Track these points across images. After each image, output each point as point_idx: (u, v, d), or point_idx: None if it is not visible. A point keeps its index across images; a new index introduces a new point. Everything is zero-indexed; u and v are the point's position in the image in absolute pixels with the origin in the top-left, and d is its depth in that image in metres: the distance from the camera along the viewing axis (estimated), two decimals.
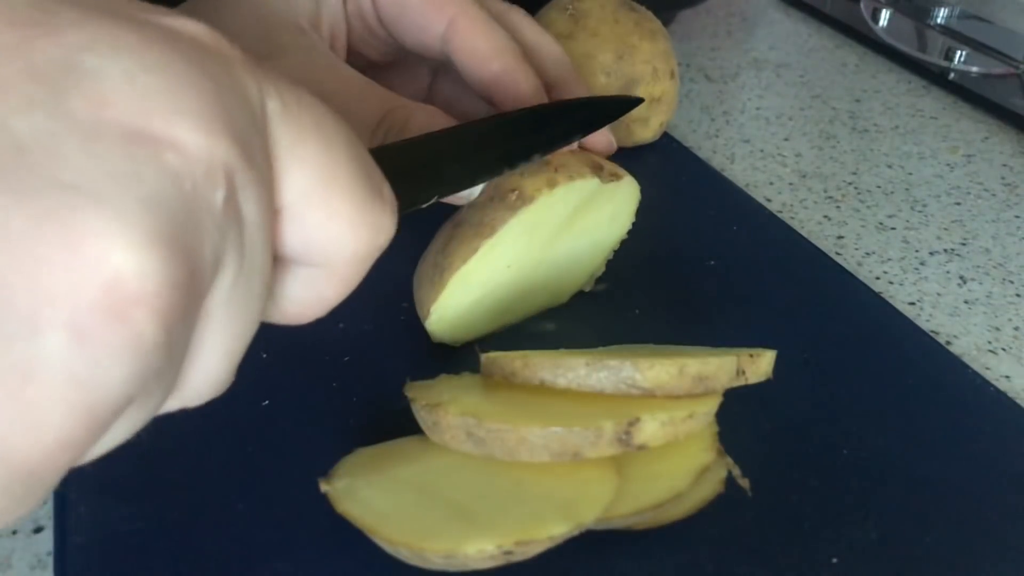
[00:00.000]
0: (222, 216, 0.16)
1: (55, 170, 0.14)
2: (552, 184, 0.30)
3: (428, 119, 0.30)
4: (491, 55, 0.32)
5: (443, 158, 0.26)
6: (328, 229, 0.19)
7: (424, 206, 0.25)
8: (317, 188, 0.18)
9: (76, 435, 0.14)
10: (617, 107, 0.33)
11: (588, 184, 0.31)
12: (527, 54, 0.34)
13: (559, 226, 0.32)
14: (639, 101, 0.34)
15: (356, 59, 0.37)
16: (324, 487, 0.25)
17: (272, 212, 0.17)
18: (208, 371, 0.18)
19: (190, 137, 0.15)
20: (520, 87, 0.31)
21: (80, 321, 0.14)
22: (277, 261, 0.19)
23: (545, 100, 0.32)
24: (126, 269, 0.14)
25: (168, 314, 0.15)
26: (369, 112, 0.31)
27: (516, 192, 0.30)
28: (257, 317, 0.18)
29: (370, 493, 0.25)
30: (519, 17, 0.35)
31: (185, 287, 0.15)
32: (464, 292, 0.31)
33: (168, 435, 0.30)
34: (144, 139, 0.14)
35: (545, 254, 0.33)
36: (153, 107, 0.15)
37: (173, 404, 0.18)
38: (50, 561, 0.27)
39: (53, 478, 0.15)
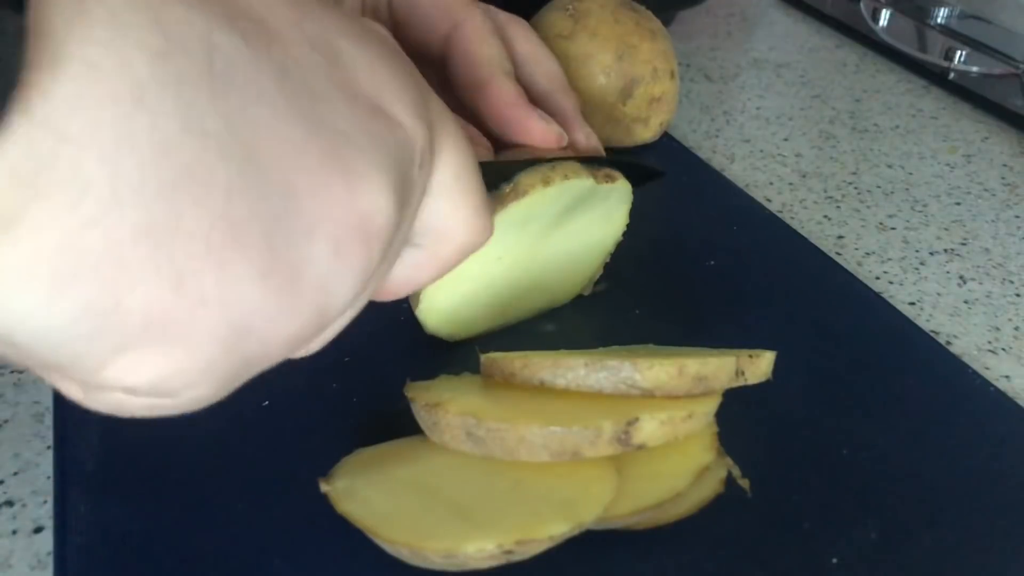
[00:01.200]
0: (414, 182, 0.20)
1: (335, 118, 0.17)
2: (547, 182, 0.30)
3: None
4: (482, 62, 0.33)
5: None
6: (450, 219, 0.22)
7: None
8: (453, 182, 0.22)
9: (306, 332, 0.18)
10: (638, 173, 0.35)
11: (583, 183, 0.31)
12: (521, 64, 0.35)
13: (551, 224, 0.32)
14: (659, 174, 0.36)
15: None
16: (324, 487, 0.25)
17: (425, 193, 0.21)
18: (340, 323, 0.21)
19: (409, 122, 0.19)
20: (501, 94, 0.33)
21: (342, 237, 0.17)
22: None
23: (525, 111, 0.33)
24: (376, 208, 0.18)
25: (386, 246, 0.19)
26: None
27: (511, 185, 0.30)
28: (390, 269, 0.22)
29: (370, 493, 0.25)
30: (519, 28, 0.37)
31: (396, 229, 0.19)
32: (455, 282, 0.31)
33: (169, 435, 0.30)
34: (384, 115, 0.18)
35: (538, 252, 0.33)
36: (385, 90, 0.19)
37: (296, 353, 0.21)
38: (50, 561, 0.27)
39: (262, 369, 0.18)
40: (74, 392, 0.18)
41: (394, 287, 0.24)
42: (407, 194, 0.19)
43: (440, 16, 0.34)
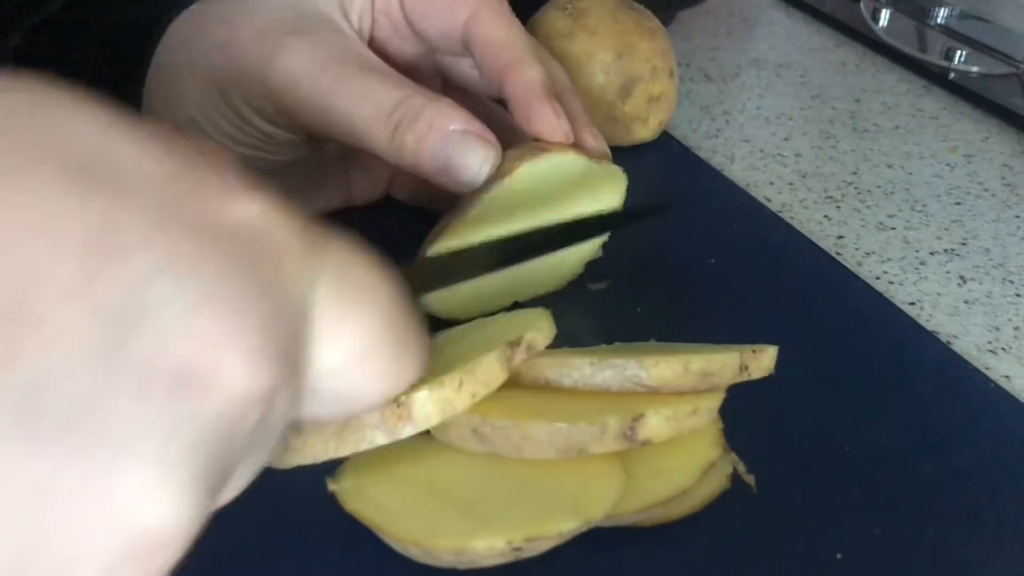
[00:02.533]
0: (252, 431, 0.16)
1: (107, 427, 0.14)
2: (536, 154, 0.31)
3: (442, 110, 0.31)
4: (507, 44, 0.33)
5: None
6: (360, 387, 0.20)
7: None
8: (361, 352, 0.19)
9: None
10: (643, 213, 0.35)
11: (572, 161, 0.32)
12: None
13: (542, 208, 0.33)
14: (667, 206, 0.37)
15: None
16: (332, 486, 0.25)
17: (301, 395, 0.18)
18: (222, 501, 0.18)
19: (239, 373, 0.15)
20: (529, 75, 0.32)
21: (110, 568, 0.14)
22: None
23: (544, 100, 0.33)
24: (156, 521, 0.14)
25: (182, 546, 0.15)
26: (387, 97, 0.32)
27: (500, 168, 0.31)
28: (269, 455, 0.19)
29: (378, 491, 0.25)
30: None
31: (203, 515, 0.15)
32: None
33: None
34: (194, 380, 0.15)
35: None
36: (207, 345, 0.15)
37: None
38: None
39: None
40: None
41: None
42: (225, 459, 0.16)
43: (456, 5, 0.34)
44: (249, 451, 0.17)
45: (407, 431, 0.24)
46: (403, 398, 0.24)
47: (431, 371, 0.25)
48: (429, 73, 0.39)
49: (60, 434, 0.14)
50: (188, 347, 0.15)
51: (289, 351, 0.17)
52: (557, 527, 0.23)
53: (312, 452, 0.24)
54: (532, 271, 0.35)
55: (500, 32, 0.33)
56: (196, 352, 0.15)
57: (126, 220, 0.14)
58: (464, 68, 0.39)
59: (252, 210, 0.16)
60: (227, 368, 0.15)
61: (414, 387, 0.24)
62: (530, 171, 0.31)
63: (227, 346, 0.15)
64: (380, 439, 0.24)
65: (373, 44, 0.37)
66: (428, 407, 0.24)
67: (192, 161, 0.16)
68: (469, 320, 0.31)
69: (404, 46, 0.37)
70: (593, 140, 0.35)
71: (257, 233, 0.16)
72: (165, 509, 0.15)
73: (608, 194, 0.35)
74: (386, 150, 0.32)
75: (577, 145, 0.34)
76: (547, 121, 0.32)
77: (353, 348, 0.19)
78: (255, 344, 0.15)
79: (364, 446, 0.24)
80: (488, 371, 0.25)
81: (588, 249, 0.37)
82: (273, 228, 0.17)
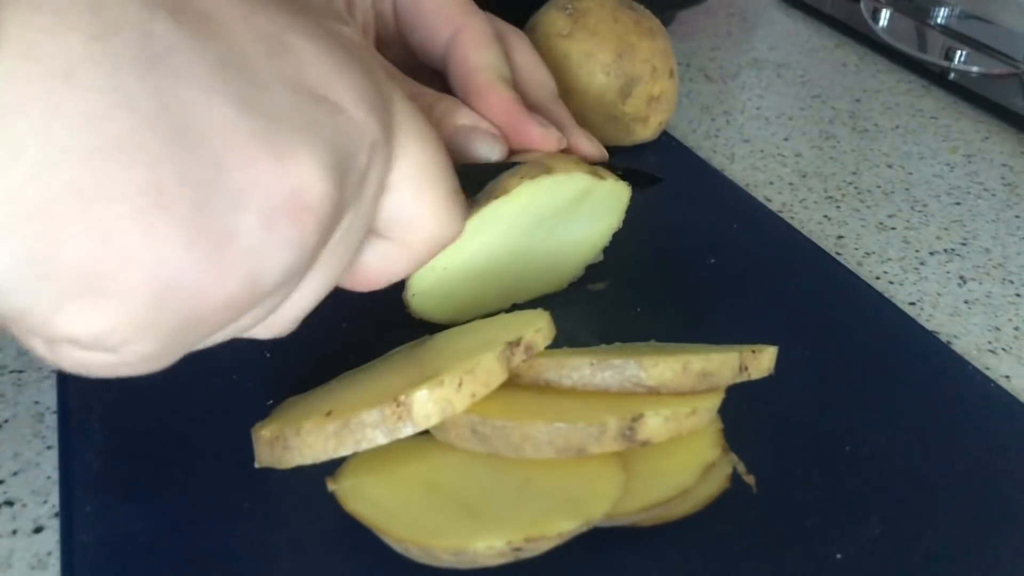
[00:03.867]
0: (362, 172, 0.21)
1: (272, 104, 0.19)
2: (540, 175, 0.31)
3: (451, 106, 0.32)
4: (480, 68, 0.34)
5: None
6: (415, 209, 0.24)
7: None
8: (415, 177, 0.23)
9: (240, 298, 0.19)
10: (636, 178, 0.36)
11: (574, 180, 0.32)
12: (518, 74, 0.36)
13: (544, 216, 0.33)
14: (657, 179, 0.37)
15: None
16: (331, 486, 0.25)
17: (383, 184, 0.22)
18: (297, 303, 0.22)
19: (354, 110, 0.20)
20: (499, 100, 0.33)
21: (271, 209, 0.18)
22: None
23: (522, 116, 0.33)
24: (307, 184, 0.19)
25: (323, 224, 0.19)
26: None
27: (500, 182, 0.31)
28: (347, 265, 0.22)
29: (377, 492, 0.25)
30: (516, 39, 0.37)
31: (336, 209, 0.20)
32: (441, 265, 0.32)
33: (175, 434, 0.30)
34: (327, 102, 0.20)
35: (529, 242, 0.34)
36: (333, 82, 0.20)
37: (254, 332, 0.22)
38: (50, 561, 0.27)
39: (205, 336, 0.19)
40: (38, 347, 0.19)
41: (368, 277, 0.25)
42: (350, 178, 0.20)
43: (441, 23, 0.35)
44: (359, 193, 0.21)
45: (407, 430, 0.24)
46: (403, 397, 0.24)
47: (431, 371, 0.25)
48: (422, 76, 0.40)
49: (242, 94, 0.18)
50: (321, 79, 0.20)
51: (385, 121, 0.21)
52: (557, 527, 0.23)
53: (312, 452, 0.24)
54: (531, 273, 0.35)
55: (476, 56, 0.34)
56: (327, 84, 0.20)
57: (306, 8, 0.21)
58: None
59: (352, 32, 0.23)
60: (347, 103, 0.20)
61: (414, 386, 0.24)
62: (530, 189, 0.31)
63: (347, 87, 0.20)
64: (380, 438, 0.24)
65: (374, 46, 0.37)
66: (428, 407, 0.24)
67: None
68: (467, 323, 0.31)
69: (395, 56, 0.38)
70: (588, 145, 0.35)
71: (358, 43, 0.22)
72: (310, 177, 0.19)
73: (609, 211, 0.35)
74: None
75: (572, 150, 0.34)
76: (535, 134, 0.33)
77: (415, 167, 0.23)
78: (364, 96, 0.21)
79: (364, 446, 0.24)
80: (488, 371, 0.25)
81: (588, 252, 0.37)
82: (367, 47, 0.23)
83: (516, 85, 0.35)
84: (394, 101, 0.22)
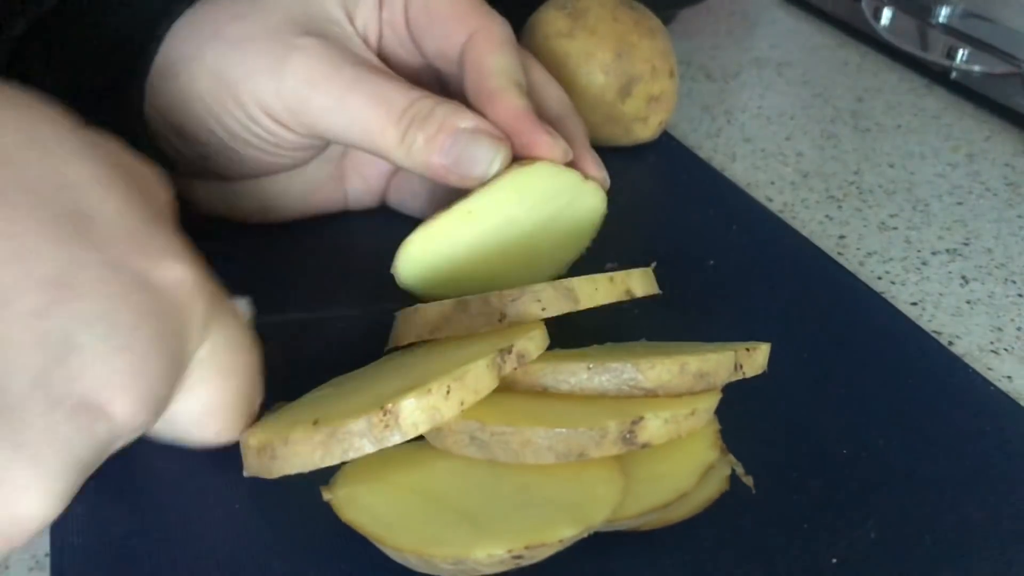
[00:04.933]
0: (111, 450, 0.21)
1: (17, 429, 0.18)
2: (524, 164, 0.32)
3: (452, 110, 0.32)
4: (493, 72, 0.33)
5: None
6: (195, 431, 0.25)
7: None
8: (205, 410, 0.25)
9: None
10: None
11: (558, 172, 0.32)
12: (534, 87, 0.35)
13: (527, 210, 0.33)
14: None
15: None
16: (327, 495, 0.25)
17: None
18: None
19: (125, 412, 0.20)
20: (513, 103, 0.33)
21: None
22: None
23: (532, 124, 0.33)
24: (26, 513, 0.19)
25: (30, 537, 0.20)
26: (400, 97, 0.32)
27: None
28: None
29: (374, 500, 0.25)
30: (530, 57, 0.37)
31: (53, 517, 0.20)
32: (431, 240, 0.32)
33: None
34: (90, 411, 0.19)
35: (515, 228, 0.34)
36: (110, 385, 0.19)
37: None
38: (48, 562, 0.27)
39: None
40: None
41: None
42: (89, 471, 0.21)
43: (455, 26, 0.34)
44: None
45: (394, 439, 0.24)
46: (390, 405, 0.23)
47: (419, 379, 0.25)
48: (430, 84, 0.40)
49: (20, 422, 0.18)
50: (97, 384, 0.19)
51: (166, 400, 0.22)
52: (558, 534, 0.22)
53: (300, 461, 0.24)
54: (516, 262, 0.35)
55: (491, 60, 0.33)
56: (101, 389, 0.19)
57: (86, 266, 0.19)
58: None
59: (178, 273, 0.21)
60: (118, 408, 0.20)
61: (401, 394, 0.24)
62: (515, 180, 0.31)
63: (125, 390, 0.20)
64: (367, 447, 0.24)
65: (379, 53, 0.37)
66: (416, 415, 0.24)
67: (149, 220, 0.21)
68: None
69: (408, 57, 0.38)
70: (594, 167, 0.35)
71: (177, 296, 0.21)
72: (38, 506, 0.19)
73: (588, 205, 0.35)
74: (396, 150, 0.32)
75: (577, 166, 0.34)
76: (543, 143, 0.33)
77: (207, 404, 0.24)
78: (143, 395, 0.20)
79: (352, 455, 0.24)
80: (477, 379, 0.25)
81: (570, 255, 0.37)
82: (189, 293, 0.22)
83: (532, 95, 0.34)
84: (204, 343, 0.23)
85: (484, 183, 0.32)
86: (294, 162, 0.37)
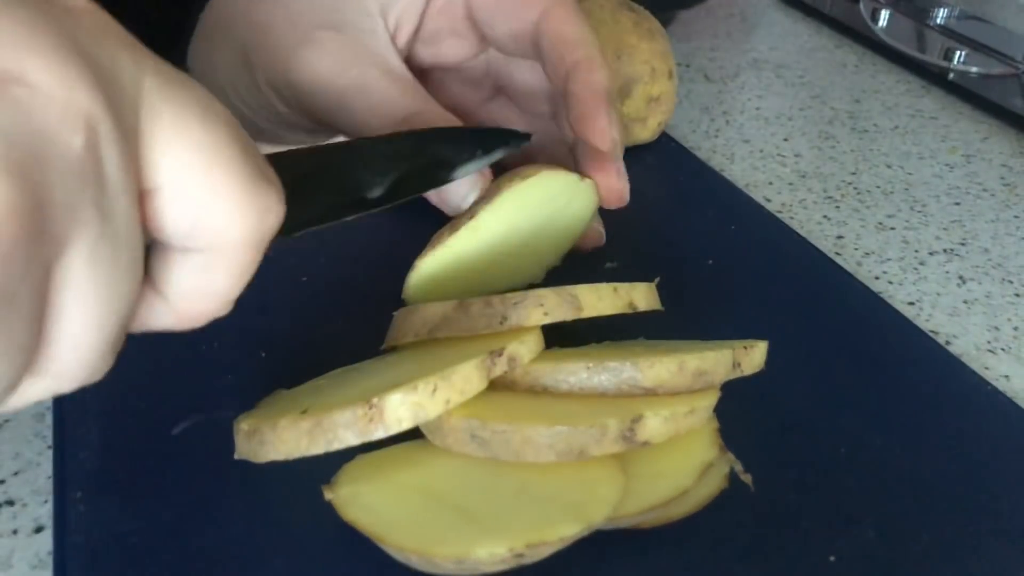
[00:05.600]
0: (80, 164, 0.16)
1: None
2: (523, 177, 0.32)
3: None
4: (579, 42, 0.33)
5: (352, 168, 0.28)
6: (212, 208, 0.18)
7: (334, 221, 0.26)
8: (199, 164, 0.18)
9: None
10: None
11: (554, 176, 0.33)
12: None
13: (528, 218, 0.34)
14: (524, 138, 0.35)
15: (426, 58, 0.37)
16: (328, 495, 0.25)
17: (137, 178, 0.17)
18: (77, 345, 0.17)
19: (42, 76, 0.15)
20: (596, 76, 0.33)
21: None
22: (164, 251, 0.19)
23: (606, 106, 0.33)
24: None
25: (7, 240, 0.15)
26: (396, 109, 0.32)
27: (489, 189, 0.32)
28: (128, 293, 0.18)
29: (375, 500, 0.25)
30: None
31: (29, 217, 0.15)
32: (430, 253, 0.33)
33: (169, 435, 0.30)
34: (8, 79, 0.15)
35: (511, 232, 0.34)
36: (7, 44, 0.15)
37: (44, 385, 0.18)
38: (51, 561, 0.27)
39: None
40: None
41: (193, 305, 0.20)
42: (43, 170, 0.15)
43: (528, 3, 0.34)
44: (88, 195, 0.16)
45: (378, 433, 0.24)
46: (376, 400, 0.24)
47: (409, 375, 0.25)
48: (479, 75, 0.39)
49: None
50: (11, 51, 0.15)
51: (113, 96, 0.17)
52: (559, 532, 0.23)
53: (285, 448, 0.24)
54: (510, 270, 0.36)
55: (573, 29, 0.33)
56: (19, 55, 0.15)
57: None
58: (520, 75, 0.39)
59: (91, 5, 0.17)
60: (27, 67, 0.15)
61: (388, 390, 0.24)
62: (517, 193, 0.32)
63: (28, 48, 0.15)
64: (351, 439, 0.24)
65: (428, 41, 0.37)
66: (400, 411, 0.24)
67: None
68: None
69: (459, 46, 0.37)
70: (616, 179, 0.34)
71: (78, 6, 0.17)
72: None
73: (583, 201, 0.35)
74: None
75: (597, 173, 0.34)
76: (599, 127, 0.32)
77: (197, 152, 0.18)
78: (61, 58, 0.16)
79: (336, 445, 0.24)
80: (465, 379, 0.25)
81: (565, 247, 0.37)
82: (93, 12, 0.17)
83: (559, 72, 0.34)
84: (146, 73, 0.17)
85: (486, 199, 0.32)
86: (316, 140, 0.37)
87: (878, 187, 0.51)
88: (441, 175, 0.31)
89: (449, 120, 0.33)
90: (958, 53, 0.63)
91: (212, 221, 0.19)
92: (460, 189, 0.33)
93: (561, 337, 0.30)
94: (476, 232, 0.32)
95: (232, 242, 0.19)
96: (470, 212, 0.32)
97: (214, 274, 0.20)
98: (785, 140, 0.56)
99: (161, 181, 0.18)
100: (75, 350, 0.17)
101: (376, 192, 0.28)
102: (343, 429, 0.24)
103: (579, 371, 0.26)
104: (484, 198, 0.32)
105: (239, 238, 0.19)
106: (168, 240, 0.19)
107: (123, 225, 0.17)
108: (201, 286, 0.20)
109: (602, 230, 0.38)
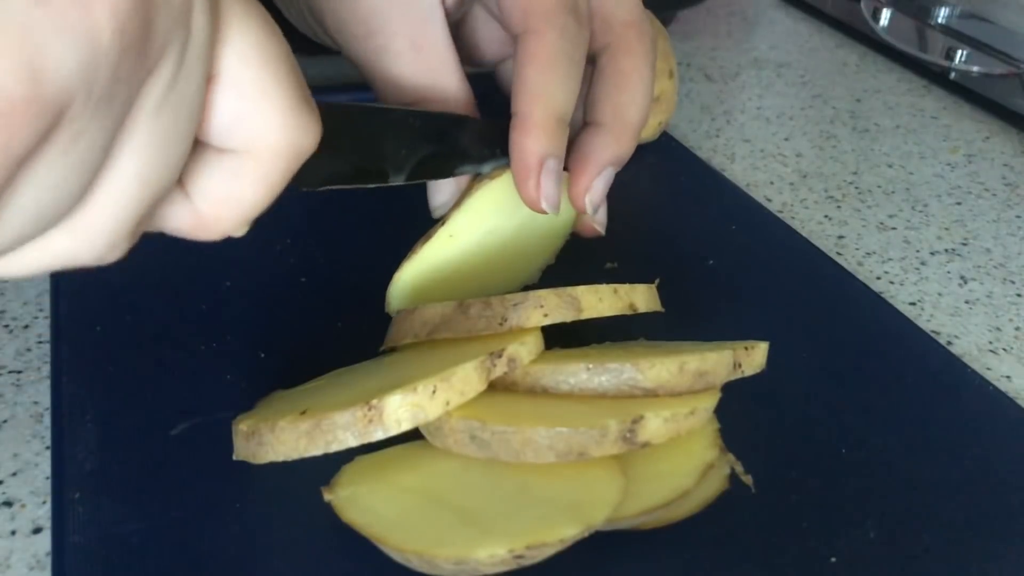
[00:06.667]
0: (181, 4, 0.17)
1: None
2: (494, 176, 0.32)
3: None
4: (536, 97, 0.30)
5: (381, 134, 0.28)
6: (257, 107, 0.19)
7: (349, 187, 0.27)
8: (255, 62, 0.19)
9: (19, 96, 0.14)
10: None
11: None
12: (600, 95, 0.33)
13: (507, 214, 0.34)
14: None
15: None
16: (327, 496, 0.25)
17: (212, 46, 0.18)
18: (114, 202, 0.18)
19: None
20: (530, 143, 0.30)
21: None
22: (199, 151, 0.20)
23: (537, 173, 0.31)
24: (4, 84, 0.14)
25: (119, 20, 0.15)
26: (405, 94, 0.32)
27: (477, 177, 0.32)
28: (173, 166, 0.18)
29: (374, 501, 0.25)
30: (635, 45, 0.35)
31: (140, 28, 0.16)
32: (412, 261, 0.33)
33: (168, 435, 0.30)
34: None
35: (495, 235, 0.34)
36: None
37: (64, 243, 0.18)
38: (49, 562, 0.27)
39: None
40: None
41: (213, 208, 0.21)
42: (152, 5, 0.16)
43: (516, 14, 0.31)
44: (176, 37, 0.17)
45: (377, 434, 0.24)
46: (375, 401, 0.24)
47: (410, 377, 0.25)
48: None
49: None
50: None
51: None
52: (559, 533, 0.23)
53: (284, 449, 0.24)
54: (499, 273, 0.35)
55: (538, 80, 0.30)
56: None
57: None
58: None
59: None
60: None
61: (387, 391, 0.24)
62: (487, 195, 0.32)
63: None
64: (350, 440, 0.24)
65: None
66: (400, 412, 0.24)
67: None
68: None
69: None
70: (582, 200, 0.32)
71: None
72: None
73: (566, 197, 0.35)
74: None
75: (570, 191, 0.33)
76: (540, 193, 0.30)
77: (257, 54, 0.19)
78: None
79: (335, 447, 0.24)
80: (464, 380, 0.25)
81: (556, 243, 0.37)
82: None
83: (594, 105, 0.32)
84: None
85: (457, 203, 0.32)
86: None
87: (879, 187, 0.51)
88: (460, 165, 0.31)
89: (465, 108, 0.32)
90: (960, 52, 0.63)
91: (253, 121, 0.19)
92: (441, 194, 0.33)
93: (561, 338, 0.29)
94: (453, 238, 0.32)
95: (267, 148, 0.20)
96: (443, 219, 0.32)
97: (242, 180, 0.20)
98: (786, 140, 0.56)
99: (219, 68, 0.19)
100: (110, 208, 0.18)
101: (399, 165, 0.29)
102: (342, 430, 0.24)
103: (579, 372, 0.26)
104: (456, 203, 0.32)
105: (274, 145, 0.20)
106: (207, 136, 0.19)
107: (195, 77, 0.18)
108: (227, 191, 0.20)
109: (604, 219, 0.36)
